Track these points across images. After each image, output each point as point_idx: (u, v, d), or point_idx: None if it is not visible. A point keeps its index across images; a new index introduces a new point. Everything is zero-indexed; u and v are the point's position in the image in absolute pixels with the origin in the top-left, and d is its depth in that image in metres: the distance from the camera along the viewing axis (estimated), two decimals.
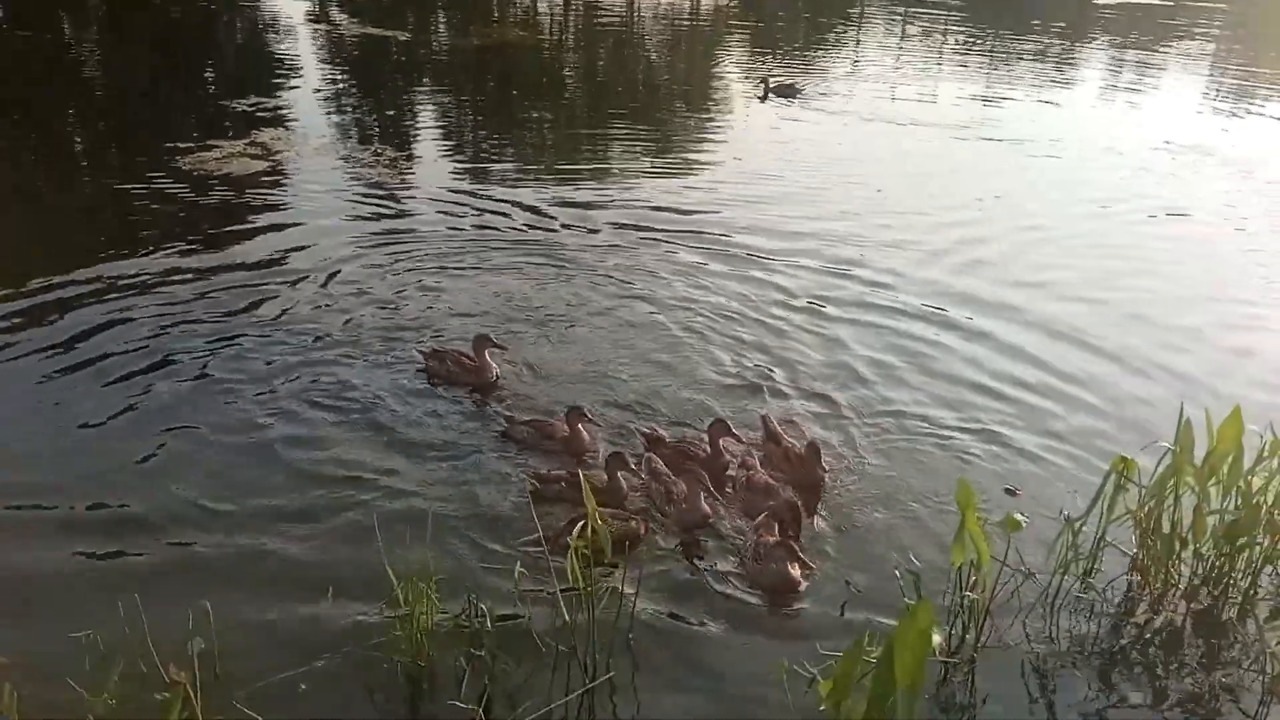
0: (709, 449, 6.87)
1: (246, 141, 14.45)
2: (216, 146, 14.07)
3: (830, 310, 9.56)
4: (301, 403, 7.46)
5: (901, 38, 29.93)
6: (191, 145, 14.08)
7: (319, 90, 18.47)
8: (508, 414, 7.33)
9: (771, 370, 8.30)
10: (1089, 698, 5.04)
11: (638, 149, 15.83)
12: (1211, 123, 20.11)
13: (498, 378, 7.84)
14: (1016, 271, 10.86)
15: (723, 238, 11.47)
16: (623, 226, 11.74)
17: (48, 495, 6.30)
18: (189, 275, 9.65)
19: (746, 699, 4.88)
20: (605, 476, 6.42)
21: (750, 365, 8.37)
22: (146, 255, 10.08)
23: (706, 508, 6.22)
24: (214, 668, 4.81)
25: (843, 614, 5.50)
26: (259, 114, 16.23)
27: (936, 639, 4.99)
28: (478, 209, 12.21)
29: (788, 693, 4.34)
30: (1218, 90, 24.17)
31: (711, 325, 9.08)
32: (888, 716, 3.71)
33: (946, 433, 7.42)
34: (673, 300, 9.61)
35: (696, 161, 15.23)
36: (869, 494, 6.64)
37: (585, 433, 7.01)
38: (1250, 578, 5.73)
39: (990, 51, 28.01)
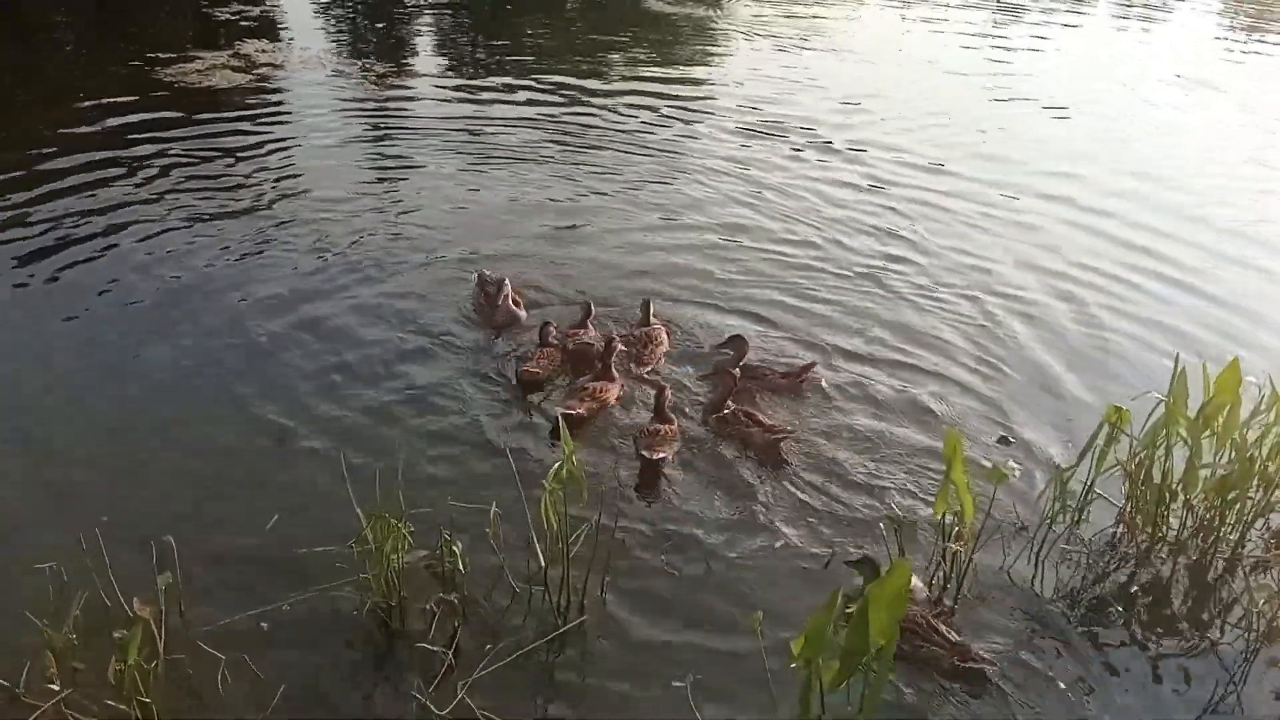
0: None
1: (230, 53, 14.05)
2: (198, 57, 13.68)
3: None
4: (271, 332, 7.28)
5: None
6: (173, 56, 13.68)
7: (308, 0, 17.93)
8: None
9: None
10: (1070, 650, 4.94)
11: (639, 64, 15.32)
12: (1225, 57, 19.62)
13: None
14: (1014, 218, 10.58)
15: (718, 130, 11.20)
16: (618, 137, 11.40)
17: (14, 420, 6.17)
18: (170, 196, 9.41)
19: (719, 649, 4.79)
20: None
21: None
22: (126, 174, 9.80)
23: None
24: (179, 605, 4.71)
25: (826, 565, 5.38)
26: (243, 23, 15.78)
27: (916, 582, 4.96)
28: (470, 126, 11.88)
29: (762, 643, 4.23)
30: (1232, 24, 23.56)
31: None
32: (861, 676, 3.62)
33: (936, 377, 7.26)
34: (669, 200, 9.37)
35: (689, 65, 14.82)
36: (851, 434, 6.51)
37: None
38: (1240, 532, 5.63)
39: None
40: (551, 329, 7.15)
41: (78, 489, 5.60)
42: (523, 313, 7.60)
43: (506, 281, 7.58)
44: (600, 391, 6.62)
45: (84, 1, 17.41)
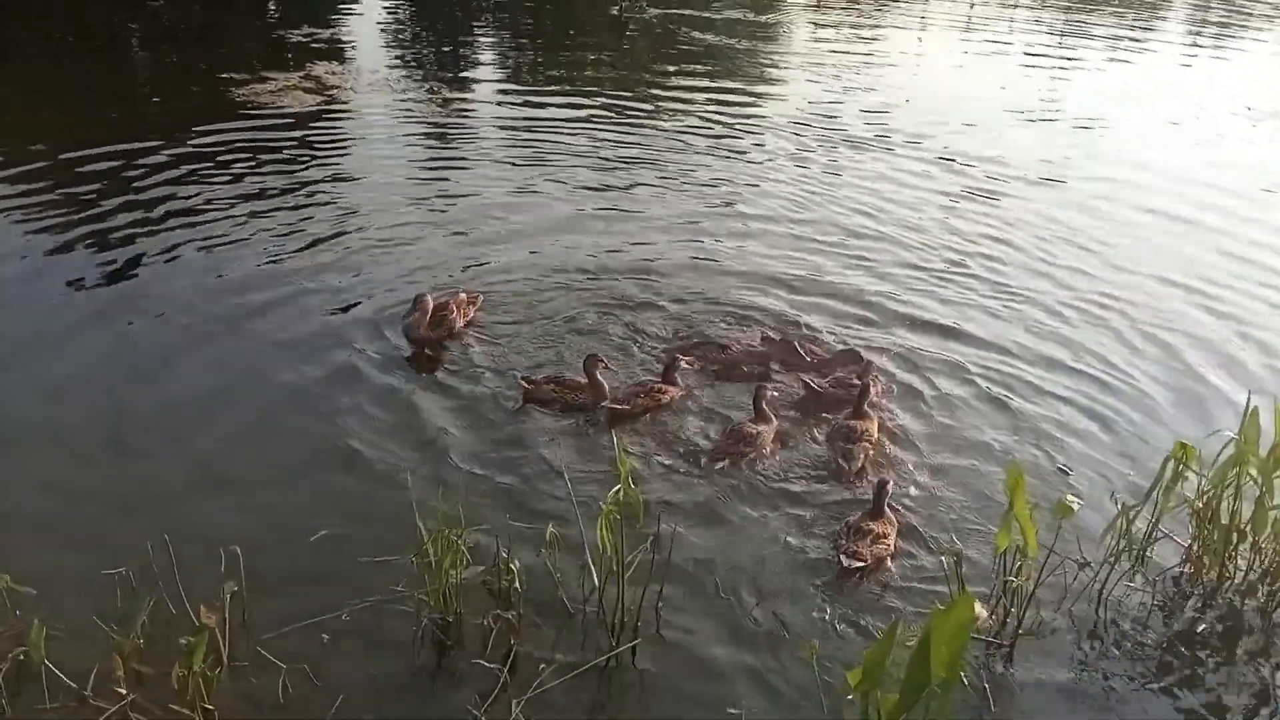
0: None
1: (302, 74, 14.39)
2: (271, 79, 14.02)
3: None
4: (340, 352, 7.38)
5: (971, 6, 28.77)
6: (247, 77, 14.05)
7: (376, 23, 18.40)
8: (527, 377, 7.02)
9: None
10: (1131, 691, 4.85)
11: (700, 98, 15.39)
12: None
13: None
14: (1080, 242, 10.43)
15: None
16: (686, 185, 11.44)
17: (89, 429, 6.35)
18: (241, 214, 9.64)
19: (772, 677, 4.76)
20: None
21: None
22: (199, 191, 10.08)
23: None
24: (242, 612, 4.80)
25: (881, 598, 5.33)
26: (314, 45, 16.16)
27: (980, 610, 4.88)
28: (533, 153, 12.02)
29: (816, 675, 4.21)
30: None
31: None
32: (922, 710, 3.57)
33: (1003, 404, 7.18)
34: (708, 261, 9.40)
35: (752, 98, 14.85)
36: (915, 465, 6.46)
37: (604, 380, 6.93)
38: None
39: (1063, 11, 26.92)
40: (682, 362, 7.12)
41: (149, 497, 5.75)
42: (454, 324, 7.56)
43: (428, 298, 7.52)
44: (658, 392, 6.85)
45: (164, 21, 17.95)
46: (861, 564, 5.35)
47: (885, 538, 5.53)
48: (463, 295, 7.84)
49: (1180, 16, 27.15)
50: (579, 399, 6.89)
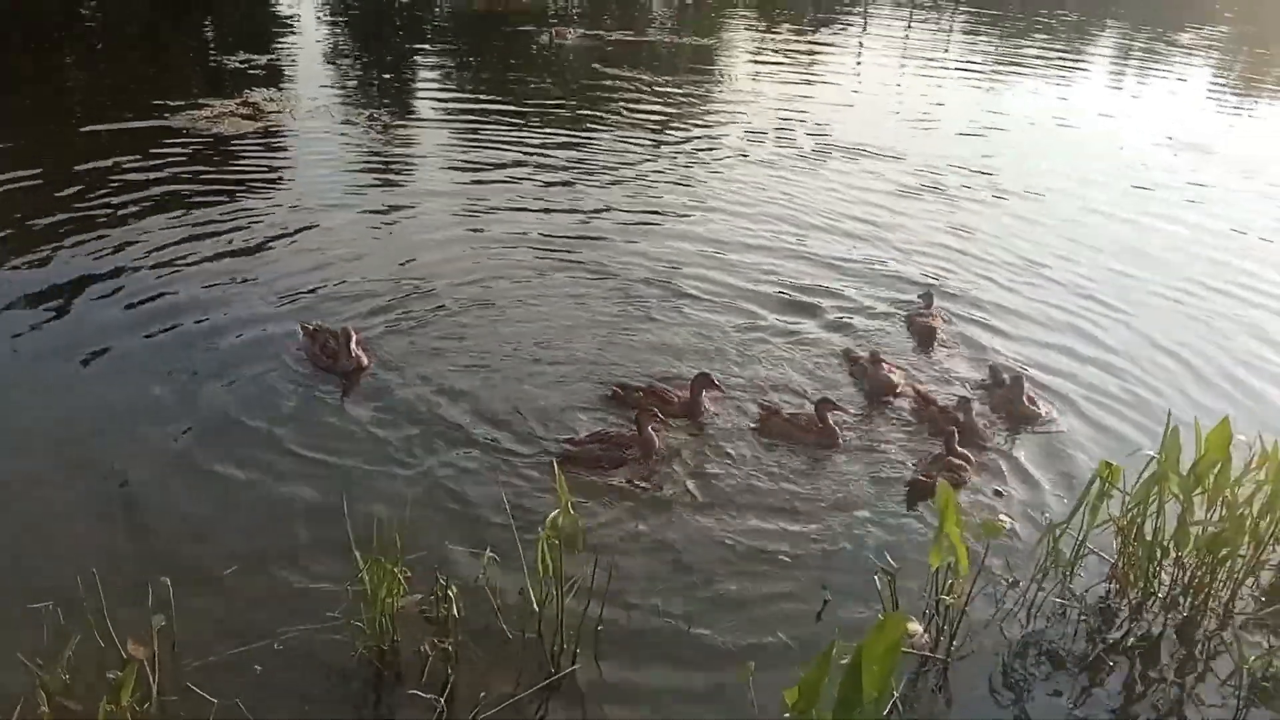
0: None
1: (239, 101, 14.27)
2: (208, 105, 13.88)
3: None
4: (271, 381, 7.30)
5: (907, 29, 29.50)
6: (182, 103, 13.88)
7: (314, 50, 18.32)
8: (571, 440, 6.80)
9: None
10: (1060, 705, 4.96)
11: (642, 125, 15.55)
12: (1215, 120, 19.93)
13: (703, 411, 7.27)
14: (1009, 260, 10.73)
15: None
16: (619, 206, 11.55)
17: (8, 461, 6.20)
18: (174, 240, 9.50)
19: (710, 698, 4.78)
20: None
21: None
22: (131, 217, 9.92)
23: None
24: (171, 644, 4.71)
25: (819, 616, 5.40)
26: (251, 72, 16.04)
27: (915, 627, 4.98)
28: (474, 180, 12.04)
29: (753, 693, 4.25)
30: (1224, 85, 23.96)
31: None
32: None
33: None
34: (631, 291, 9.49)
35: (695, 135, 15.04)
36: (844, 489, 6.56)
37: (655, 437, 6.73)
38: (1230, 589, 5.65)
39: (995, 43, 27.68)
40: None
41: (75, 530, 5.62)
42: (366, 359, 7.48)
43: (350, 329, 7.49)
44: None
45: (100, 49, 17.69)
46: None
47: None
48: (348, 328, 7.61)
49: (1107, 45, 28.05)
50: (628, 454, 6.63)
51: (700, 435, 7.03)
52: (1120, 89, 22.54)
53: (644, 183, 12.41)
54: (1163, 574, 5.70)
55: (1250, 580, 5.73)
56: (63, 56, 16.51)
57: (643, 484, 6.44)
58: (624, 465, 6.59)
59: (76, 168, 10.99)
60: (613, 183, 12.35)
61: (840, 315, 9.07)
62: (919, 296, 9.14)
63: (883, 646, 3.57)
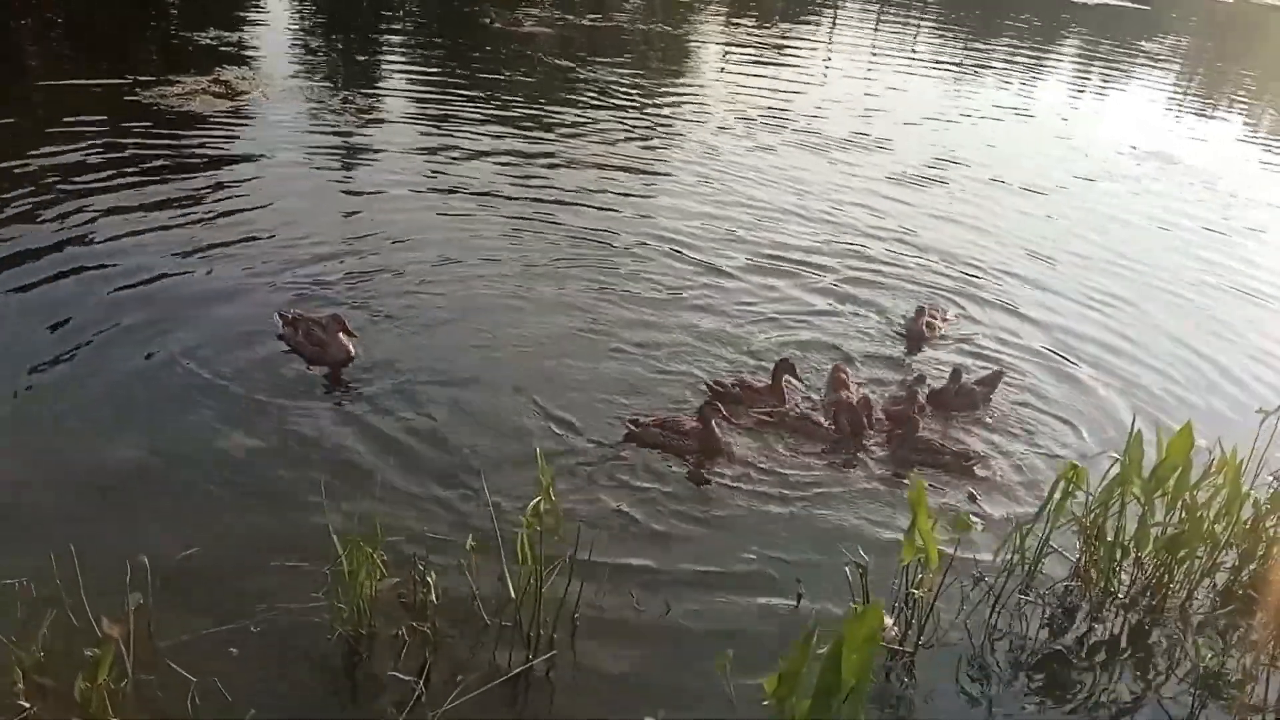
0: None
1: (210, 79, 14.08)
2: (179, 81, 13.68)
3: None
4: (249, 364, 7.24)
5: (875, 29, 29.74)
6: (153, 79, 13.67)
7: (288, 28, 18.08)
8: (635, 419, 6.91)
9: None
10: (1023, 698, 5.09)
11: (612, 107, 15.58)
12: (1177, 129, 20.35)
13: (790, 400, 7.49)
14: (978, 261, 10.92)
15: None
16: (590, 180, 11.57)
17: None
18: (142, 217, 9.36)
19: (687, 686, 4.87)
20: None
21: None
22: (97, 193, 9.76)
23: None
24: (148, 623, 4.69)
25: (798, 604, 5.50)
26: (223, 49, 15.83)
27: (886, 619, 5.09)
28: (446, 161, 12.02)
29: (731, 681, 4.33)
30: (1184, 96, 24.44)
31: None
32: (832, 715, 3.71)
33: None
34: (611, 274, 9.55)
35: (659, 119, 15.10)
36: (821, 476, 6.67)
37: (718, 429, 6.80)
38: (1188, 589, 5.83)
39: (961, 49, 28.00)
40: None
41: (52, 506, 5.57)
42: (354, 349, 7.43)
43: (339, 316, 7.40)
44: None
45: (67, 22, 17.35)
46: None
47: None
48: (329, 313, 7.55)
49: (1070, 53, 28.44)
50: (686, 444, 6.75)
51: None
52: (1080, 99, 22.88)
53: (617, 161, 12.53)
54: (1123, 573, 5.87)
55: (1207, 581, 5.90)
56: (26, 31, 16.14)
57: (703, 472, 6.60)
58: (684, 455, 6.71)
59: (41, 147, 10.78)
60: (592, 165, 12.48)
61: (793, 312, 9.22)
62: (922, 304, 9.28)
63: (861, 635, 3.66)
